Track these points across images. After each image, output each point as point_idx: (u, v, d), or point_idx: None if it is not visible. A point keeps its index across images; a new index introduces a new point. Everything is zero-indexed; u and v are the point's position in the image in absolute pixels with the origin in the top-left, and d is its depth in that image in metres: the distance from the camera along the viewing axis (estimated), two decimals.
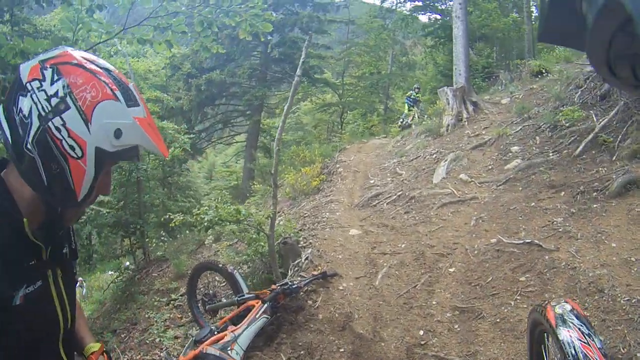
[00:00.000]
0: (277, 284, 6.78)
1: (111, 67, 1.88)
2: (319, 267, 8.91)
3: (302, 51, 8.75)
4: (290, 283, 6.71)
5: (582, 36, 0.85)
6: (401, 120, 26.23)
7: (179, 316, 12.09)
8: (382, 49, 37.41)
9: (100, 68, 1.84)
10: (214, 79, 30.57)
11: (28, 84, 1.78)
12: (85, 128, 1.75)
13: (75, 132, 1.74)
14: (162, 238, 21.57)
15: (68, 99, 1.75)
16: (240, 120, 35.34)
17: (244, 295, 6.29)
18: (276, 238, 10.90)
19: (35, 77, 1.78)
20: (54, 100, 1.74)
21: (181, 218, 9.91)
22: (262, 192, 23.82)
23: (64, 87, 1.75)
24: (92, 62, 1.84)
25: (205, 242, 18.44)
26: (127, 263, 24.36)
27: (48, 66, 1.79)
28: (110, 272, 25.85)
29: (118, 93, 1.81)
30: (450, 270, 8.08)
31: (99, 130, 1.76)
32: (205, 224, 8.75)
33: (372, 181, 17.05)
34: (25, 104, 1.77)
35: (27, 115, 1.76)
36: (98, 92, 1.77)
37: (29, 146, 1.77)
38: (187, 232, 21.56)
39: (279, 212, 18.46)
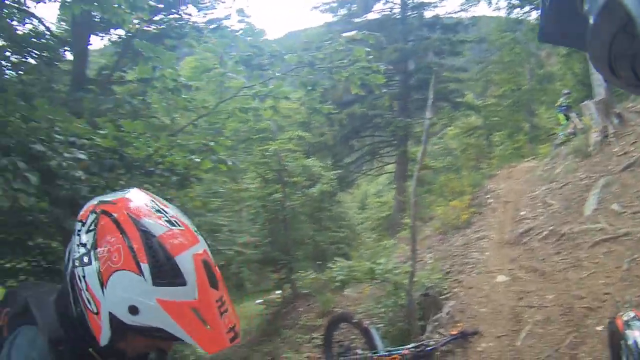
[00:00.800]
0: (412, 345, 6.88)
1: (161, 230, 1.62)
2: (459, 325, 8.93)
3: (431, 86, 8.68)
4: (425, 344, 6.78)
5: (583, 36, 0.87)
6: (562, 133, 24.58)
7: (318, 357, 12.55)
8: (517, 63, 35.87)
9: (141, 230, 1.61)
10: (355, 113, 31.43)
11: (78, 222, 1.74)
12: (100, 290, 1.57)
13: (92, 289, 1.59)
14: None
15: (92, 254, 1.61)
16: (388, 150, 35.80)
17: (377, 352, 6.52)
18: (419, 287, 11.08)
19: (82, 218, 1.72)
20: (81, 250, 1.64)
21: (312, 278, 10.49)
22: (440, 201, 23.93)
23: (91, 240, 1.63)
24: (136, 219, 1.63)
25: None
26: (263, 299, 25.62)
27: (97, 211, 1.68)
28: (258, 301, 26.50)
29: (145, 266, 1.55)
30: (597, 329, 7.73)
31: (113, 298, 1.56)
32: (338, 283, 9.14)
33: (522, 213, 16.59)
34: (73, 238, 1.72)
35: (69, 250, 1.73)
36: (120, 259, 1.56)
37: (67, 277, 1.74)
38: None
39: (429, 249, 18.57)
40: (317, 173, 27.33)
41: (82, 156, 7.14)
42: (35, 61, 15.21)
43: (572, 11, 0.91)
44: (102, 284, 1.57)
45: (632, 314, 3.57)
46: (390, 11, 33.91)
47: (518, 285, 10.57)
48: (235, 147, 28.53)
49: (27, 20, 14.56)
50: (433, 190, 26.89)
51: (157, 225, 1.62)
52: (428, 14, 33.95)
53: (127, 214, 1.64)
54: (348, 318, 9.32)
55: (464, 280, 11.84)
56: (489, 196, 20.03)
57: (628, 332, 3.41)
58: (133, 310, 1.53)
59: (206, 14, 21.55)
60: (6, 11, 12.21)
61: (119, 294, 1.55)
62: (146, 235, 1.59)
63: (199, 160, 8.67)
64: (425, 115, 35.18)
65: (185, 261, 1.58)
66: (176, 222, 1.67)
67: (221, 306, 1.64)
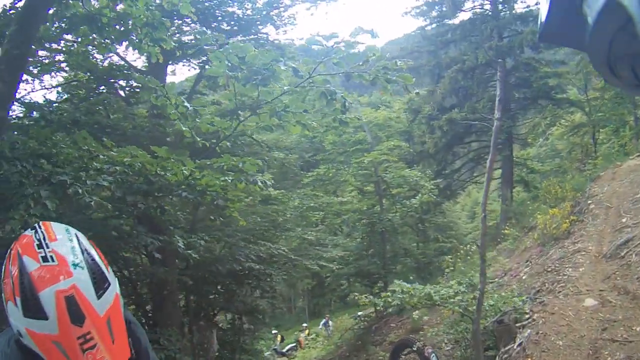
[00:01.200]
0: None
1: (32, 267, 1.73)
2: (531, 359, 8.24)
3: (498, 83, 7.83)
4: None
5: (583, 36, 0.86)
6: None
7: None
8: None
9: (19, 265, 1.74)
10: (455, 118, 30.20)
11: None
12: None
13: None
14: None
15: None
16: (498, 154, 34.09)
17: None
18: (494, 312, 10.35)
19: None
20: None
21: (368, 300, 10.22)
22: (513, 237, 22.63)
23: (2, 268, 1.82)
24: (20, 254, 1.76)
25: None
26: (360, 313, 25.34)
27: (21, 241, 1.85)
28: (354, 315, 26.45)
29: (18, 299, 1.70)
30: None
31: (10, 321, 1.75)
32: (393, 309, 8.83)
33: (624, 219, 15.21)
34: None
35: None
36: (9, 290, 1.73)
37: None
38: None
39: (527, 262, 17.49)
40: (418, 184, 26.67)
41: (105, 182, 7.46)
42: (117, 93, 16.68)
43: (572, 11, 0.90)
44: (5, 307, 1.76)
45: None
46: (481, 8, 32.43)
47: (606, 312, 9.63)
48: (334, 160, 28.88)
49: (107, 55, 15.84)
50: (538, 195, 25.34)
51: (31, 261, 1.73)
52: (519, 6, 32.10)
53: (18, 249, 1.80)
54: (410, 344, 9.04)
55: (549, 303, 11.00)
56: (590, 201, 18.52)
57: None
58: (19, 334, 1.72)
59: (285, 30, 21.82)
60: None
61: (11, 319, 1.74)
62: (21, 270, 1.73)
63: (231, 180, 8.77)
64: (528, 114, 33.83)
65: (48, 297, 1.66)
66: (52, 258, 1.74)
67: (84, 343, 1.68)
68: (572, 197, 19.95)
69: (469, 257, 24.15)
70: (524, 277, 16.22)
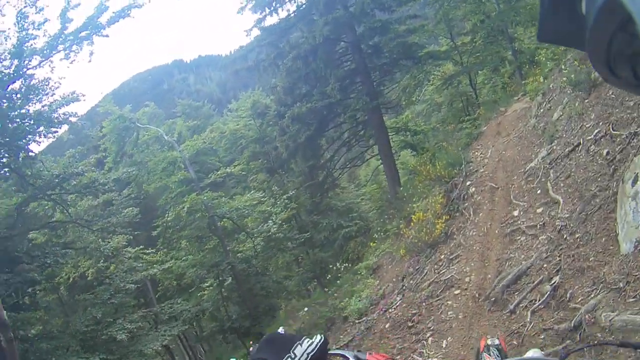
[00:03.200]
0: None
1: None
2: None
3: None
4: None
5: (582, 36, 0.82)
6: None
7: None
8: None
9: None
10: (298, 113, 24.29)
11: None
12: None
13: None
14: None
15: None
16: (364, 133, 28.69)
17: None
18: None
19: None
20: None
21: None
22: (393, 233, 17.34)
23: None
24: None
25: None
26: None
27: None
28: None
29: None
30: None
31: None
32: None
33: (515, 212, 10.03)
34: None
35: None
36: None
37: None
38: None
39: (401, 282, 12.12)
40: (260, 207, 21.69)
41: None
42: None
43: (571, 10, 0.85)
44: None
45: (496, 341, 3.94)
46: None
47: None
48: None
49: None
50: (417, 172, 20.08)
51: None
52: None
53: None
54: None
55: None
56: (470, 183, 13.22)
57: (484, 354, 3.80)
58: None
59: None
60: None
61: None
62: None
63: None
64: (395, 78, 28.68)
65: None
66: None
67: None
68: (449, 176, 14.54)
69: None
70: (393, 314, 10.83)
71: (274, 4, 25.55)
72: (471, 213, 11.73)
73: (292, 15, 25.86)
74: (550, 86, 14.64)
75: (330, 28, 23.54)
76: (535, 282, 7.05)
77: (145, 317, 19.84)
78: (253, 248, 21.28)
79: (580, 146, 9.40)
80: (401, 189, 20.88)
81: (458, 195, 13.14)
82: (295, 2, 25.52)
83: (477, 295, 8.10)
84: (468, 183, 13.21)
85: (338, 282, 18.94)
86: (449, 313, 8.31)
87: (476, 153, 15.64)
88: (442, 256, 11.11)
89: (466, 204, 12.41)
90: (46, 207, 20.48)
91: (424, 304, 9.52)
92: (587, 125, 9.74)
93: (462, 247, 10.54)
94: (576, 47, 0.92)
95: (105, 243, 20.76)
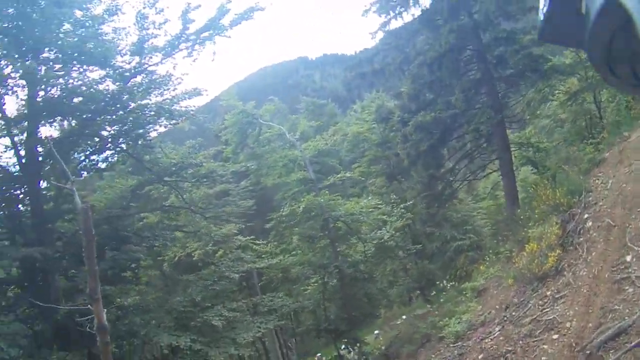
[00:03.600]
0: None
1: None
2: None
3: None
4: None
5: (582, 36, 0.83)
6: None
7: None
8: None
9: None
10: (422, 122, 23.93)
11: None
12: None
13: None
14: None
15: None
16: (487, 146, 27.66)
17: None
18: None
19: None
20: None
21: None
22: (505, 256, 16.74)
23: None
24: None
25: None
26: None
27: None
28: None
29: None
30: None
31: None
32: None
33: (628, 257, 9.38)
34: None
35: None
36: None
37: None
38: None
39: (504, 312, 11.72)
40: (377, 214, 21.51)
41: None
42: None
43: (572, 11, 0.86)
44: None
45: None
46: None
47: None
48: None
49: None
50: (528, 201, 19.23)
51: None
52: None
53: None
54: None
55: None
56: (587, 214, 12.47)
57: None
58: None
59: None
60: None
61: None
62: None
63: None
64: (520, 90, 27.39)
65: None
66: None
67: None
68: (567, 204, 13.78)
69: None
70: (488, 346, 10.53)
71: (398, 8, 25.39)
72: (584, 250, 11.07)
73: (417, 19, 25.59)
74: None
75: (455, 36, 23.06)
76: (633, 344, 6.57)
77: (244, 307, 20.28)
78: (363, 253, 21.27)
79: None
80: (518, 210, 19.99)
81: (574, 228, 12.43)
82: (419, 6, 25.12)
83: (574, 345, 7.70)
84: (586, 216, 12.44)
85: (442, 299, 18.64)
86: (542, 359, 7.96)
87: (596, 181, 14.64)
88: (549, 292, 10.62)
89: (581, 239, 11.72)
90: (161, 191, 21.31)
91: (520, 342, 9.20)
92: None
93: (569, 287, 10.01)
94: (577, 47, 0.93)
95: (216, 229, 21.63)
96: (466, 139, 27.47)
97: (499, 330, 11.04)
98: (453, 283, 19.35)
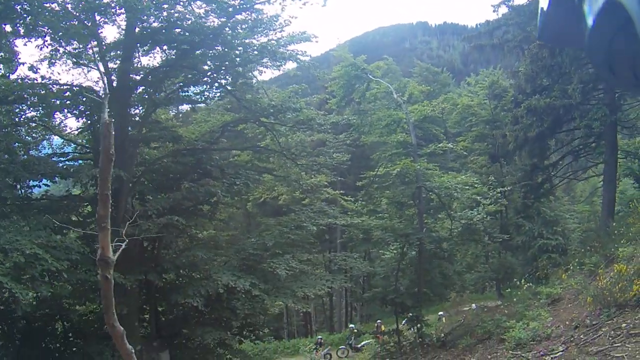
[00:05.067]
0: None
1: None
2: None
3: None
4: None
5: (583, 36, 0.81)
6: None
7: None
8: None
9: None
10: (535, 105, 22.20)
11: None
12: None
13: None
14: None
15: None
16: (595, 146, 25.36)
17: None
18: None
19: None
20: None
21: None
22: (589, 268, 15.55)
23: None
24: None
25: None
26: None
27: None
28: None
29: None
30: None
31: None
32: None
33: None
34: None
35: None
36: None
37: None
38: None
39: (572, 332, 10.92)
40: (473, 192, 20.22)
41: None
42: None
43: (572, 11, 0.85)
44: None
45: None
46: None
47: None
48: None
49: None
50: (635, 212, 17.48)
51: None
52: None
53: None
54: None
55: None
56: None
57: None
58: None
59: None
60: None
61: None
62: None
63: None
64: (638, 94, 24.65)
65: None
66: None
67: None
68: None
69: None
70: None
71: None
72: None
73: None
74: None
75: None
76: None
77: (316, 261, 19.73)
78: (450, 230, 20.27)
79: None
80: (614, 224, 18.38)
81: None
82: None
83: None
84: None
85: (514, 298, 17.75)
86: None
87: None
88: (624, 325, 9.68)
89: None
90: (257, 131, 20.80)
91: None
92: None
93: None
94: (577, 48, 1.33)
95: (307, 177, 21.21)
96: (576, 134, 25.55)
97: (562, 351, 10.26)
98: (530, 284, 18.24)
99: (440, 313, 23.78)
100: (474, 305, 23.20)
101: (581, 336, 10.50)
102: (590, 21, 0.78)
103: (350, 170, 28.31)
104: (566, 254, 25.33)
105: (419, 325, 18.12)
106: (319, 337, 27.85)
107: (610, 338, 9.46)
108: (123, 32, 16.49)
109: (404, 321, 20.11)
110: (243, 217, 28.84)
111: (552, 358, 10.28)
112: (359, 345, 24.13)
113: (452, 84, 55.07)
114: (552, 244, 27.42)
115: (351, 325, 27.21)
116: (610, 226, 18.84)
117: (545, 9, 0.95)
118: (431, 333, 18.65)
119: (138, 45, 16.79)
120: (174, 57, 17.08)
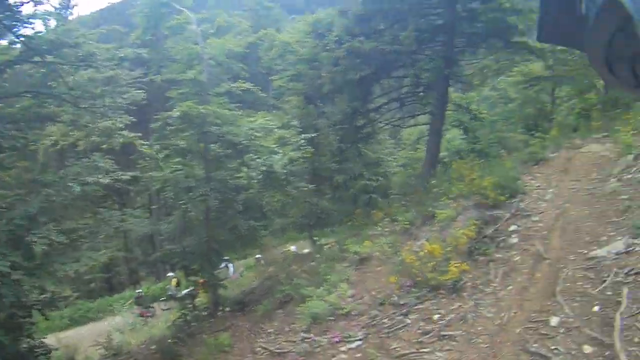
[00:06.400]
0: None
1: None
2: None
3: None
4: None
5: (582, 36, 0.81)
6: None
7: None
8: None
9: None
10: (361, 48, 19.97)
11: None
12: None
13: None
14: None
15: None
16: (423, 95, 24.34)
17: None
18: None
19: None
20: None
21: None
22: (404, 224, 13.90)
23: None
24: None
25: None
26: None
27: None
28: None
29: None
30: None
31: None
32: None
33: (551, 322, 6.57)
34: None
35: None
36: None
37: None
38: None
39: (384, 304, 8.84)
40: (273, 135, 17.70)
41: None
42: None
43: (571, 10, 0.83)
44: None
45: None
46: None
47: None
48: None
49: None
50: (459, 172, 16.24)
51: None
52: None
53: None
54: None
55: None
56: (515, 227, 9.59)
57: None
58: None
59: None
60: None
61: None
62: None
63: None
64: (478, 53, 24.06)
65: None
66: None
67: None
68: (493, 199, 10.83)
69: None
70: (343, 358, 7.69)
71: None
72: (499, 276, 8.19)
73: None
74: None
75: None
76: None
77: (89, 228, 15.73)
78: (248, 180, 17.51)
79: None
80: (433, 182, 17.08)
81: (494, 236, 9.54)
82: None
83: None
84: (512, 228, 9.56)
85: (324, 251, 15.84)
86: None
87: (533, 183, 11.83)
88: (436, 317, 7.75)
89: (498, 256, 8.84)
90: (37, 74, 16.09)
91: None
92: None
93: (464, 326, 7.14)
94: (576, 47, 0.88)
95: (102, 120, 17.13)
96: (404, 82, 23.96)
97: (361, 341, 8.15)
98: (342, 237, 16.43)
99: (258, 256, 21.57)
100: (293, 247, 21.71)
101: (385, 320, 8.49)
102: (589, 21, 0.74)
103: (151, 111, 24.05)
104: (387, 196, 24.90)
105: (213, 288, 15.58)
106: (139, 290, 24.19)
107: (418, 334, 7.48)
108: None
109: (221, 264, 17.57)
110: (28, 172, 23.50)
111: (348, 349, 8.14)
112: (180, 295, 21.24)
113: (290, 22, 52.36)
114: (374, 185, 27.23)
115: (170, 274, 23.94)
116: (432, 177, 17.83)
117: (544, 9, 0.87)
118: (228, 296, 16.13)
119: None
120: None
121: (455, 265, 8.61)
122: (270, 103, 32.16)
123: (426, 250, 9.25)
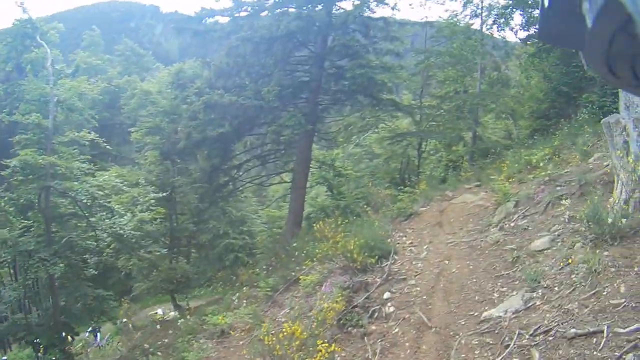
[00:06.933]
0: None
1: None
2: None
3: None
4: None
5: (582, 36, 0.80)
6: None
7: None
8: (469, 59, 23.88)
9: None
10: (220, 102, 18.36)
11: None
12: None
13: None
14: None
15: None
16: (284, 153, 23.30)
17: None
18: None
19: None
20: None
21: None
22: (266, 291, 12.21)
23: None
24: None
25: None
26: None
27: None
28: None
29: None
30: None
31: None
32: None
33: None
34: None
35: None
36: None
37: None
38: None
39: None
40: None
41: None
42: None
43: (572, 11, 0.82)
44: None
45: None
46: None
47: None
48: None
49: None
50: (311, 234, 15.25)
51: None
52: None
53: None
54: None
55: None
56: (390, 294, 8.40)
57: None
58: None
59: None
60: None
61: None
62: None
63: None
64: (344, 110, 23.72)
65: None
66: None
67: None
68: (361, 262, 9.55)
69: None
70: None
71: None
72: (377, 354, 6.77)
73: None
74: (533, 195, 10.20)
75: (299, 25, 18.32)
76: None
77: None
78: (96, 242, 15.01)
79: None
80: (294, 245, 15.74)
81: (366, 305, 8.21)
82: None
83: None
84: (386, 295, 8.28)
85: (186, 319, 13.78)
86: None
87: (405, 241, 10.87)
88: None
89: (375, 329, 7.48)
90: None
91: None
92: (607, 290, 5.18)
93: None
94: (576, 48, 0.87)
95: None
96: (267, 139, 22.86)
97: None
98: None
99: (124, 320, 18.57)
100: (160, 310, 20.38)
101: None
102: (589, 21, 0.72)
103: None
104: (254, 255, 24.23)
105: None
106: None
107: None
108: None
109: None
110: None
111: None
112: None
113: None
114: (239, 243, 26.78)
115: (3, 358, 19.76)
116: (296, 237, 16.61)
117: (546, 5, 0.84)
118: None
119: None
120: None
121: (323, 346, 7.07)
122: (131, 157, 29.91)
123: (287, 332, 7.63)
